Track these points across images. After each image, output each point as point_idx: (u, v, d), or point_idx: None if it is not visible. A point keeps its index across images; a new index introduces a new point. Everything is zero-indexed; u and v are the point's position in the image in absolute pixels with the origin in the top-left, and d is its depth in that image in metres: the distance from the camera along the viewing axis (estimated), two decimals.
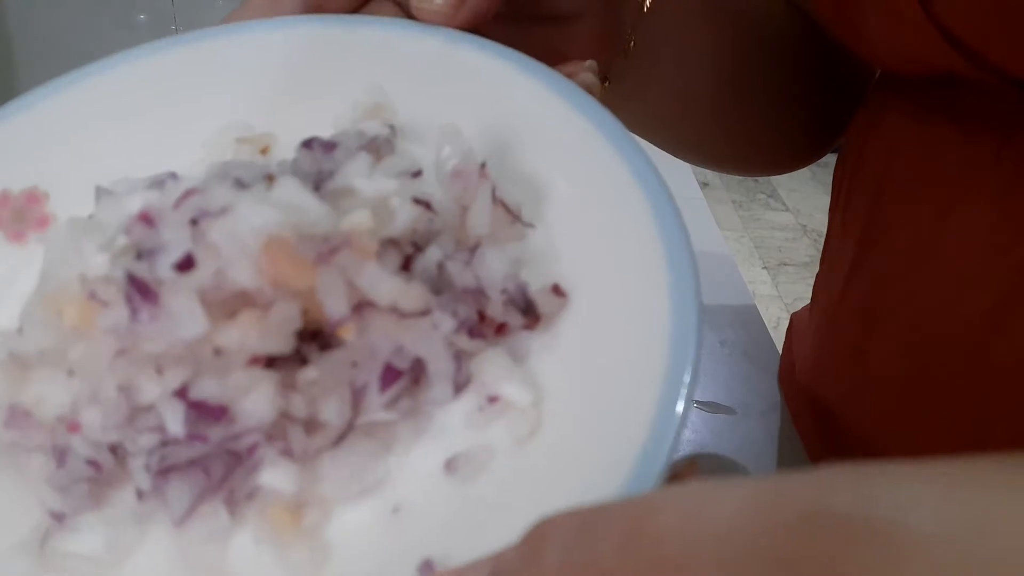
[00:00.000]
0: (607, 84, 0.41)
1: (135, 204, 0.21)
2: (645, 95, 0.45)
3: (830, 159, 0.54)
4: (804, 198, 3.26)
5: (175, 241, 0.19)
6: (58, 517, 0.21)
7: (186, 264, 0.19)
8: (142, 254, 0.20)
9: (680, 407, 0.18)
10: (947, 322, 0.41)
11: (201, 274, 0.19)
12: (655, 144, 0.51)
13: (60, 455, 0.21)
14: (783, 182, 3.62)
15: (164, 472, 0.20)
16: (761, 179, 3.65)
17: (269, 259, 0.19)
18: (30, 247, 0.26)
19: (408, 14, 0.29)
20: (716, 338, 0.70)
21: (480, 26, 0.28)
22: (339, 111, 0.26)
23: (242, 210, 0.19)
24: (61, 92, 0.28)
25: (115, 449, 0.21)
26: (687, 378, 0.18)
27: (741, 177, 3.62)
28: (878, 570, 0.12)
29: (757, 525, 0.13)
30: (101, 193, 0.23)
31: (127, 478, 0.21)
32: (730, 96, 0.48)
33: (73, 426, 0.20)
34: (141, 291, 0.19)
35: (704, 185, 3.46)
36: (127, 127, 0.27)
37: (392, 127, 0.25)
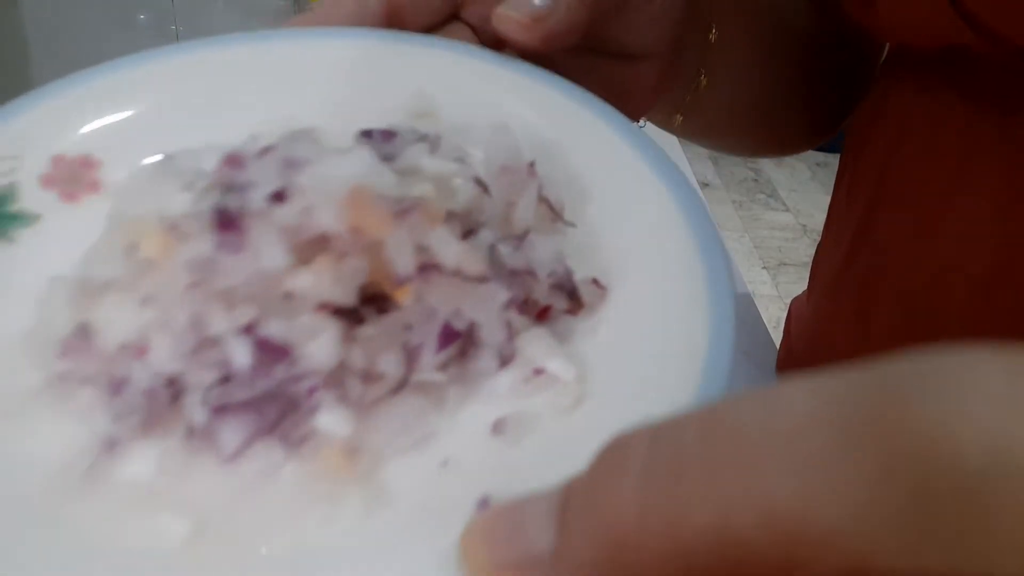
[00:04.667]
0: (680, 118, 0.47)
1: (214, 155, 0.23)
2: (702, 115, 0.49)
3: (830, 159, 0.57)
4: (804, 198, 3.28)
5: (265, 179, 0.21)
6: (109, 444, 0.22)
7: (279, 196, 0.21)
8: (231, 188, 0.21)
9: (720, 388, 0.20)
10: (948, 286, 0.43)
11: (289, 210, 0.21)
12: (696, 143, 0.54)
13: (117, 385, 0.22)
14: (783, 182, 3.62)
15: (220, 409, 0.22)
16: (761, 179, 3.67)
17: (353, 205, 0.20)
18: (83, 208, 0.27)
19: (481, 40, 0.32)
20: None
21: (554, 53, 0.30)
22: (386, 118, 0.28)
23: (328, 161, 0.21)
24: (119, 72, 0.30)
25: (172, 383, 0.22)
26: (726, 363, 0.20)
27: (741, 177, 3.65)
28: (948, 404, 0.13)
29: (837, 395, 0.14)
30: (169, 157, 0.25)
31: (179, 414, 0.22)
32: (765, 99, 0.52)
33: (141, 351, 0.21)
34: (226, 223, 0.21)
35: (704, 185, 3.45)
36: (180, 112, 0.30)
37: (438, 134, 0.27)
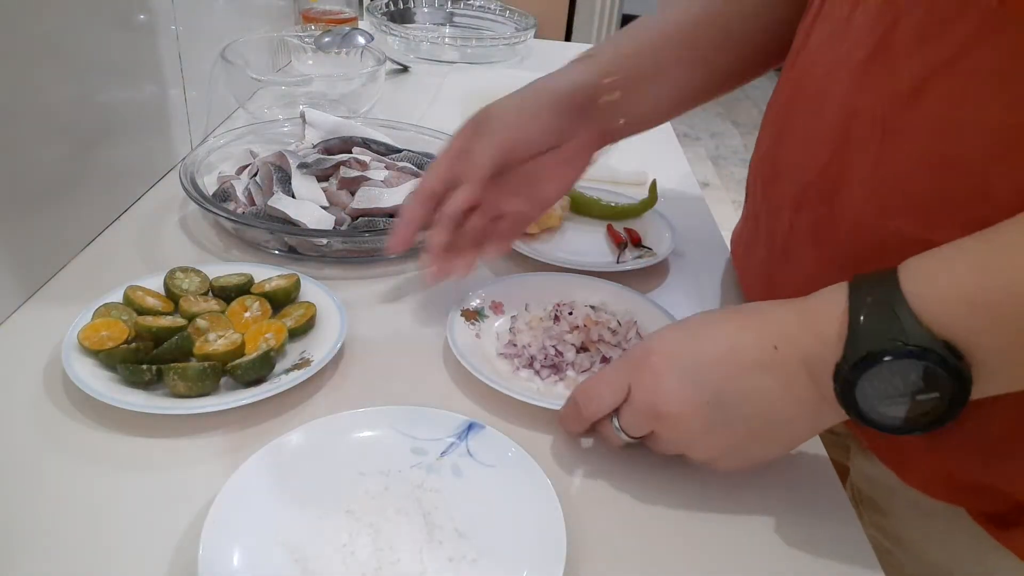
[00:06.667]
0: (623, 122, 0.78)
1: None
2: (644, 121, 0.80)
3: None
4: None
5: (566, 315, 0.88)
6: (517, 368, 0.88)
7: (558, 317, 0.88)
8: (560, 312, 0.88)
9: None
10: (837, 79, 0.61)
11: (572, 320, 0.88)
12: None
13: (531, 360, 0.88)
14: None
15: (547, 366, 0.87)
16: None
17: (586, 322, 0.88)
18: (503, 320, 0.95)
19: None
20: None
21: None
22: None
23: (580, 309, 0.88)
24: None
25: (534, 358, 0.88)
26: None
27: (740, 177, 3.91)
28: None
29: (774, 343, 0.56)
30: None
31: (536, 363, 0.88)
32: (714, 84, 0.80)
33: (530, 346, 0.88)
34: (556, 319, 0.89)
35: (704, 185, 3.74)
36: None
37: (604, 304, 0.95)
